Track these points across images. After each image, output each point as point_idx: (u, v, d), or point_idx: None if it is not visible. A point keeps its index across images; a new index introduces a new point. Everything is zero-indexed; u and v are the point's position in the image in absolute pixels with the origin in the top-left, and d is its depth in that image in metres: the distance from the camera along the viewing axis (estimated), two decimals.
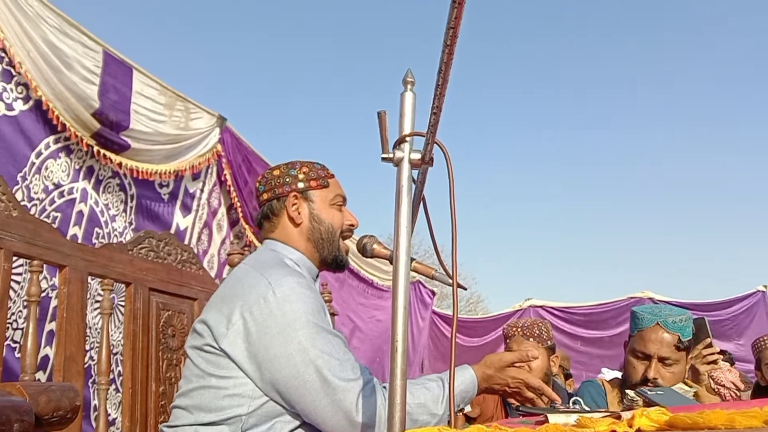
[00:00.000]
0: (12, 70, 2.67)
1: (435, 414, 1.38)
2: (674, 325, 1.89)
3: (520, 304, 7.51)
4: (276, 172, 1.65)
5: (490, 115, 27.58)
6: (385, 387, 1.36)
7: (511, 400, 1.51)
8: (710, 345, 2.11)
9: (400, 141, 1.10)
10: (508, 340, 2.44)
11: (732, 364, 3.65)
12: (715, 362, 2.08)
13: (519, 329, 2.40)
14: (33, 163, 2.77)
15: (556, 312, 7.28)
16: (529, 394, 1.50)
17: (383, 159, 1.12)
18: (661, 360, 1.88)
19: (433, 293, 7.63)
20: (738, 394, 2.06)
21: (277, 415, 1.39)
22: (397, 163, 1.10)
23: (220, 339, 1.39)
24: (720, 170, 24.53)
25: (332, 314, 2.48)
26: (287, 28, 27.16)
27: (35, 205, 2.76)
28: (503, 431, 0.70)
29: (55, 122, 2.81)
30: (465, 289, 1.57)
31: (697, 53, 23.57)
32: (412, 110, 1.12)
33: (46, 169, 2.83)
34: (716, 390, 2.02)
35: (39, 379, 1.95)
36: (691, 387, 1.92)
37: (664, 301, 6.46)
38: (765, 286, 6.72)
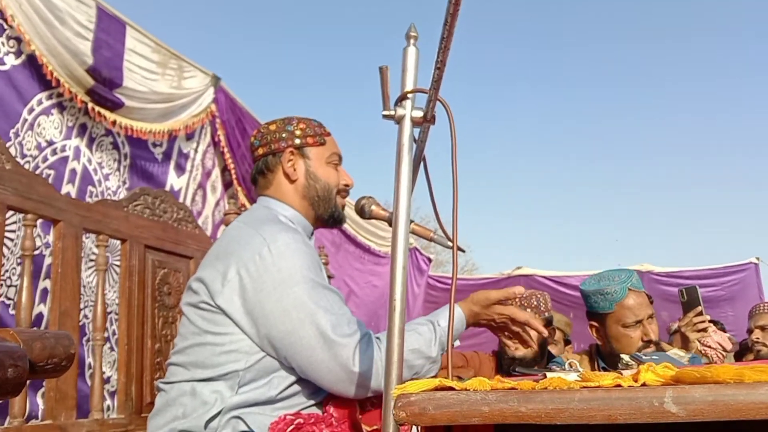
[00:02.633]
0: (4, 24, 2.60)
1: (429, 357, 1.40)
2: (638, 283, 2.02)
3: (509, 272, 7.45)
4: (272, 127, 1.62)
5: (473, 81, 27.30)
6: (379, 338, 1.37)
7: (499, 335, 1.53)
8: (701, 313, 2.12)
9: (402, 98, 1.07)
10: None
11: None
12: (704, 330, 2.11)
13: (516, 299, 2.43)
14: (25, 120, 2.72)
15: (546, 281, 7.21)
16: (515, 328, 1.51)
17: (384, 116, 1.09)
18: (649, 318, 1.98)
19: (430, 260, 7.65)
20: (725, 354, 2.10)
21: (275, 370, 1.39)
22: (399, 120, 1.08)
23: (215, 296, 1.39)
24: (722, 140, 24.48)
25: (329, 277, 2.48)
26: None
27: (28, 162, 2.72)
28: (506, 383, 0.70)
29: (49, 77, 2.75)
30: (464, 251, 1.56)
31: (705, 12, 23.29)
32: (415, 66, 1.09)
33: (39, 125, 2.78)
34: (704, 352, 2.06)
35: None
36: (685, 354, 1.94)
37: (665, 273, 6.42)
38: (758, 258, 6.72)
